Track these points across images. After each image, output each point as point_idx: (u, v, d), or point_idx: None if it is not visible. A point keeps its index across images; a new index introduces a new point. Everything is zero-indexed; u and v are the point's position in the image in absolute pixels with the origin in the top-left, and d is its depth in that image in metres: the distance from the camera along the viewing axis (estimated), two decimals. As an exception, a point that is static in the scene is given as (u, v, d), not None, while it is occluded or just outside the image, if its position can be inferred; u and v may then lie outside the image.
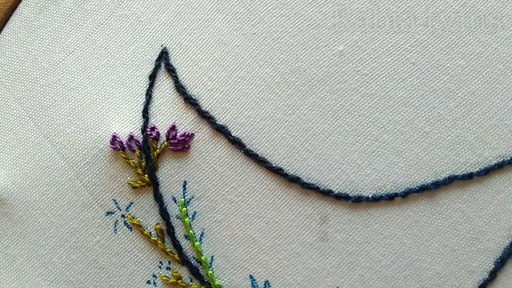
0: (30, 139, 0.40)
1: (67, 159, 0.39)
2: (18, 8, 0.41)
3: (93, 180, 0.39)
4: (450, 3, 0.37)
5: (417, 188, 0.37)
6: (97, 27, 0.40)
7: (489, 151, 0.36)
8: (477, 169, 0.36)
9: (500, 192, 0.36)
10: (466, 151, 0.37)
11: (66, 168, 0.39)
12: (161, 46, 0.39)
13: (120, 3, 0.40)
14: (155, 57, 0.39)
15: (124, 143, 0.38)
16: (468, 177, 0.36)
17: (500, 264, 0.36)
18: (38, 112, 0.40)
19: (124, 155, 0.38)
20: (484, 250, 0.36)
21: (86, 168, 0.39)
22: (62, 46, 0.40)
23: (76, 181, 0.39)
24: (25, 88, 0.40)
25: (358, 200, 0.37)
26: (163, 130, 0.39)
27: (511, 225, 0.36)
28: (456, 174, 0.37)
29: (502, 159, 0.36)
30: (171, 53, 0.39)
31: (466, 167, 0.37)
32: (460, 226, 0.36)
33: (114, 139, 0.38)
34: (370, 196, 0.37)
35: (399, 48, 0.38)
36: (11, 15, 0.41)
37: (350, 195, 0.37)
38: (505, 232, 0.36)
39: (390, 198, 0.37)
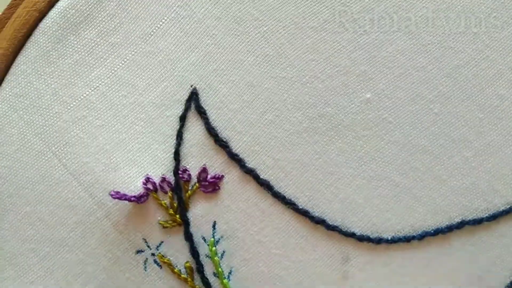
0: (55, 176, 0.39)
1: (96, 198, 0.39)
2: (33, 35, 0.39)
3: (122, 220, 0.39)
4: (472, 55, 0.39)
5: (432, 231, 0.40)
6: (122, 62, 0.39)
7: (499, 198, 0.40)
8: (487, 214, 0.40)
9: (505, 236, 0.40)
10: (478, 198, 0.40)
11: (95, 208, 0.39)
12: (191, 86, 0.39)
13: (147, 39, 0.39)
14: (185, 97, 0.39)
15: (157, 184, 0.39)
16: (478, 222, 0.40)
17: (501, 300, 0.40)
18: (62, 148, 0.39)
19: (156, 196, 0.39)
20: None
21: (115, 208, 0.39)
22: (85, 80, 0.39)
23: (105, 220, 0.39)
24: (46, 123, 0.39)
25: (379, 242, 0.40)
26: (194, 172, 0.39)
27: (514, 266, 0.40)
28: (468, 219, 0.40)
29: (509, 206, 0.40)
30: (201, 94, 0.39)
31: (477, 212, 0.40)
32: (469, 265, 0.40)
33: (147, 180, 0.38)
34: (389, 238, 0.40)
35: (423, 98, 0.39)
36: (25, 43, 0.39)
37: (371, 237, 0.40)
38: (507, 272, 0.40)
39: (407, 240, 0.40)
